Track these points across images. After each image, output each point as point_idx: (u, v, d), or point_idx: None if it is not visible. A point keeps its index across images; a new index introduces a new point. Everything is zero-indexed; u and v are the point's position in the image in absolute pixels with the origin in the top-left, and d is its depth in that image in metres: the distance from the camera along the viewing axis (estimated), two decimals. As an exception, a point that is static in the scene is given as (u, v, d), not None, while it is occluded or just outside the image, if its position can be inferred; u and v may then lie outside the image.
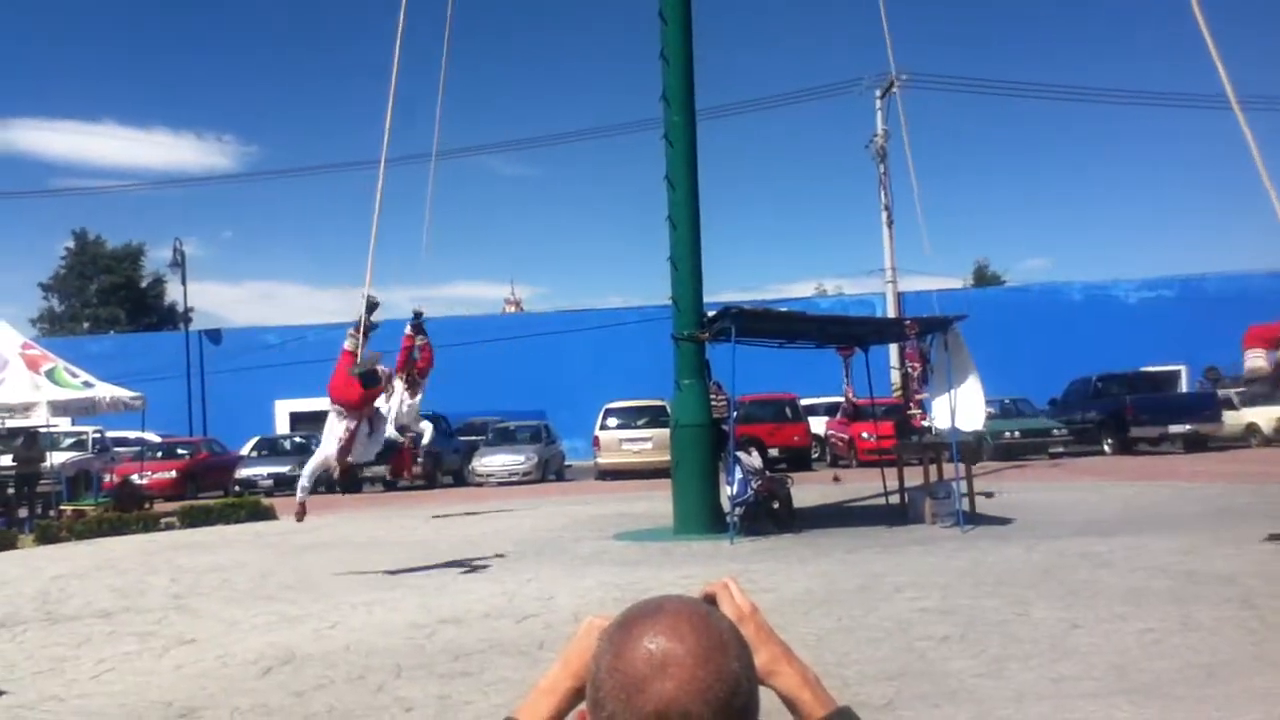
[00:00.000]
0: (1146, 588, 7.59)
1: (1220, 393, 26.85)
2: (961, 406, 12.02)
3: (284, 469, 25.83)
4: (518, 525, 14.46)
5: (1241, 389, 27.05)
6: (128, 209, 75.65)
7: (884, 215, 33.38)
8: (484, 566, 10.43)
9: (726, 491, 12.25)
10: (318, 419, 29.53)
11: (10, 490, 18.97)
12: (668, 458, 13.21)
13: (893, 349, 25.26)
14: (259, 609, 8.51)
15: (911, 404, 13.52)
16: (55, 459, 20.66)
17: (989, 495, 13.77)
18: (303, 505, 10.84)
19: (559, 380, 35.62)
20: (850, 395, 15.39)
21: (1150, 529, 10.71)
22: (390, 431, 15.16)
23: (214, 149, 74.59)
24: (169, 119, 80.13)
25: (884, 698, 5.11)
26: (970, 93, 68.13)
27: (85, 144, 71.45)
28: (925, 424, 13.29)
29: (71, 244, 52.73)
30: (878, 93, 33.30)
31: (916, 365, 12.80)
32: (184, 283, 38.33)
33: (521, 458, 25.57)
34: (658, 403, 24.14)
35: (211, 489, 25.69)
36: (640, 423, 24.82)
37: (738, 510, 11.94)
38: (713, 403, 13.00)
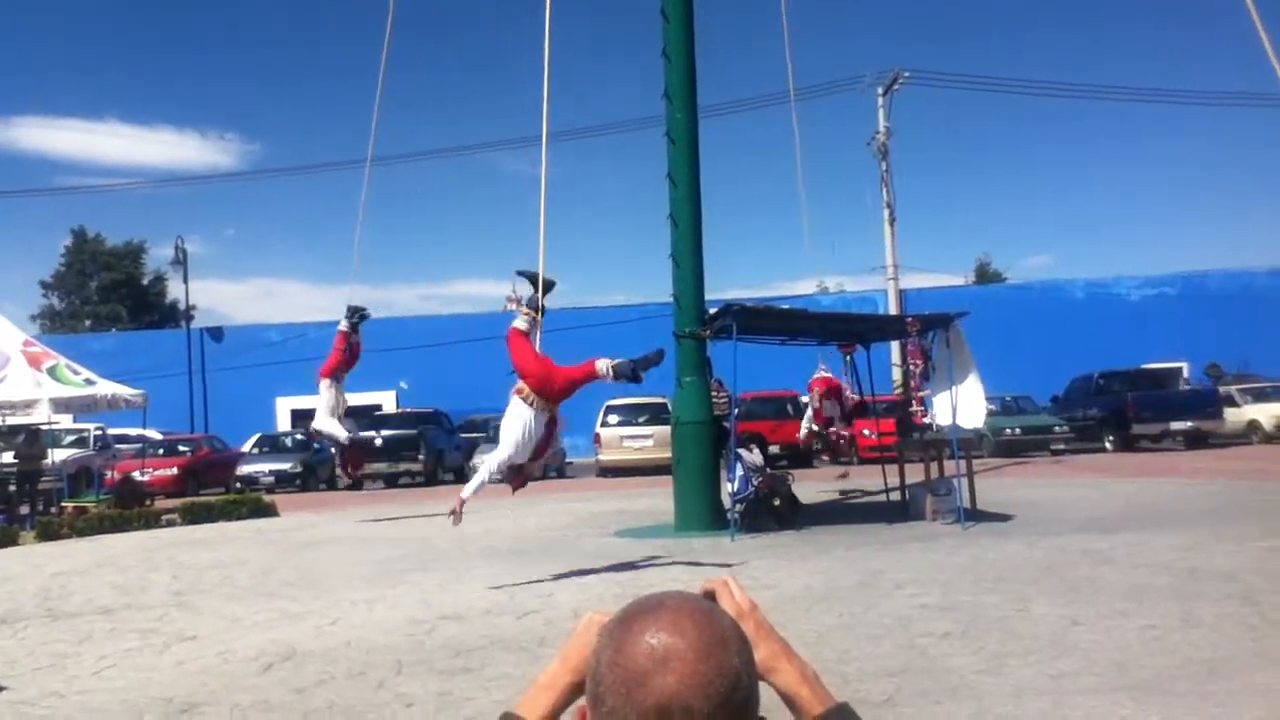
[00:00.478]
0: (1148, 584, 7.59)
1: (1222, 389, 26.86)
2: (963, 404, 12.01)
3: (285, 466, 25.89)
4: (519, 522, 14.47)
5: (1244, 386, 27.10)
6: (130, 207, 75.83)
7: (886, 213, 33.37)
8: (484, 563, 10.43)
9: (727, 488, 12.25)
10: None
11: (12, 487, 19.00)
12: (669, 455, 13.21)
13: (894, 346, 25.28)
14: (260, 606, 8.51)
15: (913, 401, 13.51)
16: (57, 456, 20.69)
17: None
18: (462, 505, 9.12)
19: (560, 377, 35.57)
20: (848, 391, 15.37)
21: (1151, 526, 10.71)
22: (338, 430, 15.19)
23: (217, 147, 74.79)
24: (172, 117, 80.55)
25: (884, 694, 5.11)
26: (973, 90, 68.20)
27: (88, 142, 71.65)
28: (926, 421, 13.28)
29: (69, 242, 52.79)
30: (879, 90, 33.30)
31: (918, 362, 12.78)
32: (186, 280, 38.40)
33: (523, 455, 25.49)
34: (659, 400, 24.12)
35: (213, 486, 25.75)
36: (641, 420, 24.82)
37: (738, 507, 11.95)
38: (714, 400, 13.00)
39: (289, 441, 27.78)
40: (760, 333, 14.30)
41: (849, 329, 15.42)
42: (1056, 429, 25.44)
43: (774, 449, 22.76)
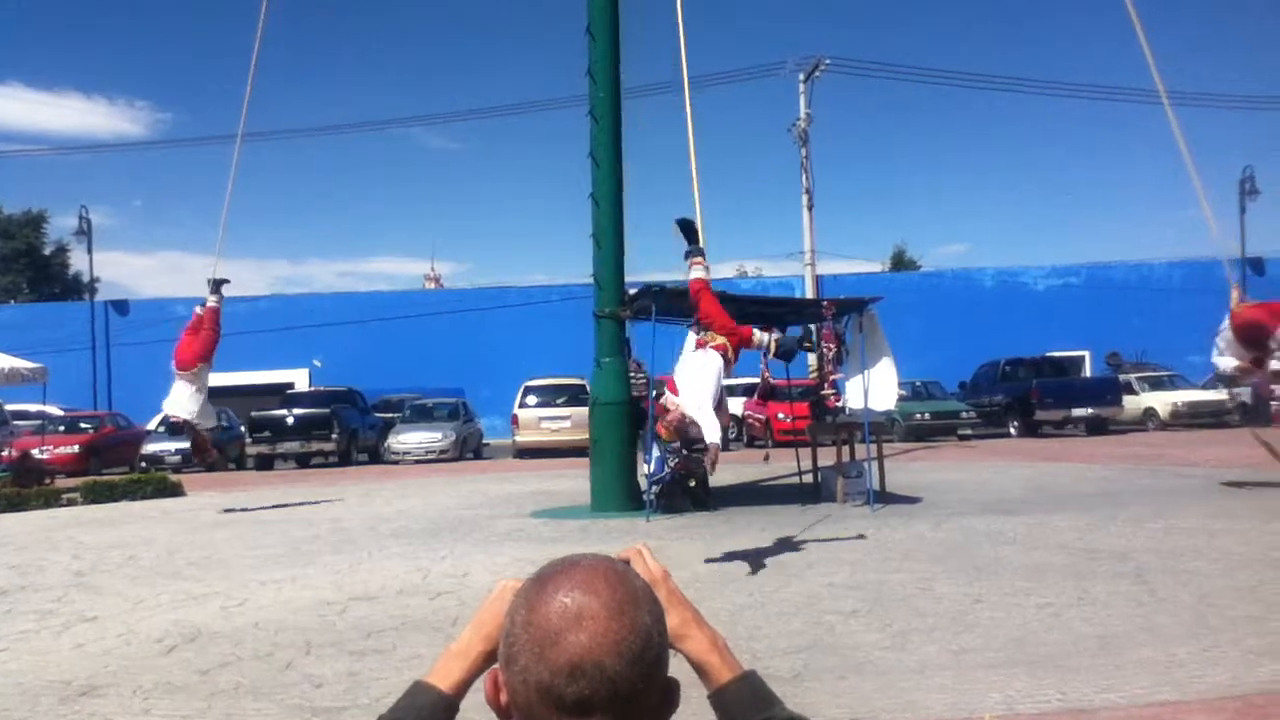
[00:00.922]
0: (1046, 564, 7.86)
1: (1121, 378, 27.84)
2: (875, 387, 12.24)
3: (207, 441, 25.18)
4: (433, 503, 14.35)
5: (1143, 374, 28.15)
6: (32, 175, 73.00)
7: (804, 198, 33.75)
8: (397, 544, 10.33)
9: (644, 470, 12.32)
10: (229, 394, 28.93)
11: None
12: (586, 436, 13.23)
13: (810, 330, 25.61)
14: (164, 586, 8.31)
15: (826, 384, 13.71)
16: (-51, 432, 19.89)
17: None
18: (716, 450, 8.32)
19: (479, 358, 35.39)
20: (766, 376, 15.53)
21: (1052, 508, 11.09)
22: (195, 416, 13.56)
23: (126, 115, 72.39)
24: (80, 83, 77.46)
25: (793, 670, 5.21)
26: (892, 79, 69.24)
27: (-15, 106, 68.46)
28: (839, 405, 13.50)
29: (-41, 209, 50.62)
30: (801, 76, 33.61)
31: (832, 346, 12.97)
32: (90, 251, 37.09)
33: (439, 435, 25.34)
34: (577, 381, 24.11)
35: (116, 465, 24.99)
36: (559, 401, 24.77)
37: (655, 489, 12.03)
38: (632, 380, 13.04)
39: (197, 419, 27.05)
40: (680, 315, 14.35)
41: (766, 312, 15.56)
42: (964, 414, 26.11)
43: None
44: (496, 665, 1.16)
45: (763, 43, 78.15)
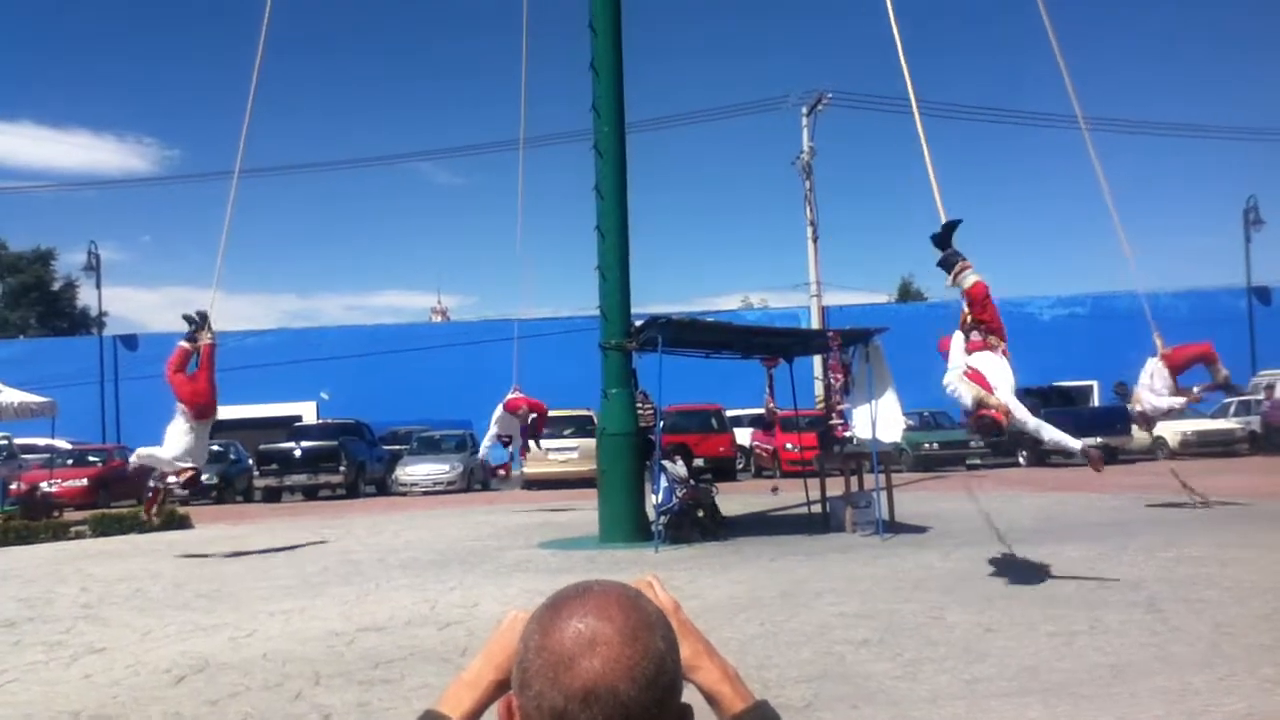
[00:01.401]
0: (1058, 593, 7.82)
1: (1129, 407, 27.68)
2: (881, 418, 12.23)
3: (201, 477, 25.18)
4: (441, 534, 14.32)
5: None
6: (41, 211, 73.36)
7: (809, 230, 33.84)
8: (405, 575, 10.31)
9: (652, 500, 12.30)
10: (237, 427, 28.96)
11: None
12: (594, 467, 13.22)
13: (817, 361, 25.62)
14: (172, 618, 8.30)
15: (833, 415, 13.71)
16: (-42, 466, 19.92)
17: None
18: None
19: (485, 389, 35.33)
20: (771, 406, 15.54)
21: (1062, 537, 11.04)
22: (179, 462, 12.56)
23: (135, 151, 72.80)
24: (89, 120, 78.09)
25: (804, 700, 5.18)
26: (896, 112, 69.49)
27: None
28: (847, 435, 13.48)
29: (-31, 246, 50.98)
30: (804, 109, 33.81)
31: (839, 377, 12.99)
32: (99, 286, 37.35)
33: (446, 467, 25.32)
34: (584, 412, 24.09)
35: (125, 498, 24.96)
36: (567, 432, 24.76)
37: (663, 519, 12.00)
38: (639, 412, 13.05)
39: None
40: (686, 346, 14.41)
41: (772, 343, 15.61)
42: (972, 444, 26.00)
43: (698, 462, 22.88)
44: (510, 692, 1.16)
45: (766, 77, 78.70)
